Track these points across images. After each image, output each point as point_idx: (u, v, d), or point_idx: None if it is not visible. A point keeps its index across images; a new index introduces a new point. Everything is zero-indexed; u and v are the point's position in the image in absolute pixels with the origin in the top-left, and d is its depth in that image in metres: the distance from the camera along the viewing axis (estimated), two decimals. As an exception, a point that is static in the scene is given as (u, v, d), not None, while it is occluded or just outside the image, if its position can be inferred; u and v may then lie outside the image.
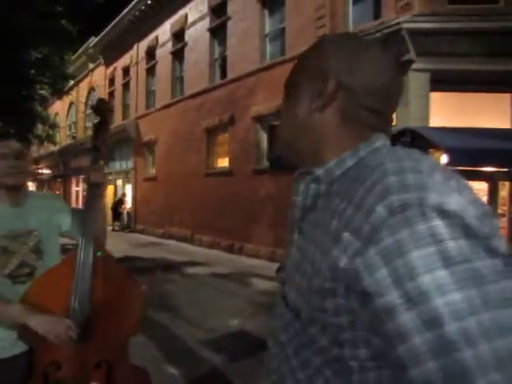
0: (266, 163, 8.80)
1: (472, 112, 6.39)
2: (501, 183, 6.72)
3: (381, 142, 0.60)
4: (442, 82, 6.29)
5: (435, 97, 6.39)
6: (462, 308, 0.40)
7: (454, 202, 0.45)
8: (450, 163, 5.18)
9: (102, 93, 18.19)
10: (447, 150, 5.24)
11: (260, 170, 9.00)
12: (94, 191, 1.47)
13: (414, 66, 6.29)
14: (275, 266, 2.20)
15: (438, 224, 0.43)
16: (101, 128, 1.58)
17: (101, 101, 1.64)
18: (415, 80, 6.30)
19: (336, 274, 0.50)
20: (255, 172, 9.17)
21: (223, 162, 10.64)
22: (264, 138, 9.39)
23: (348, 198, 0.52)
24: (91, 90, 19.62)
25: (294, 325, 0.61)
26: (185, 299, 5.40)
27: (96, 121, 1.61)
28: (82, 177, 20.19)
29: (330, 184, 0.59)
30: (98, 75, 18.55)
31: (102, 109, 1.62)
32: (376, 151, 0.58)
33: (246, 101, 9.55)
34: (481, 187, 6.42)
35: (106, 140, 1.59)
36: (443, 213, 0.44)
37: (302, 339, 0.59)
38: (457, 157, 5.12)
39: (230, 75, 10.19)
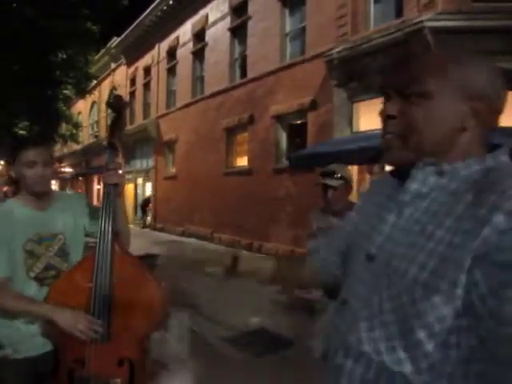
0: (285, 162, 8.80)
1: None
2: None
3: (506, 156, 0.72)
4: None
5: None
6: None
7: None
8: (506, 151, 5.10)
9: (123, 92, 18.53)
10: None
11: (279, 169, 9.02)
12: (110, 191, 1.49)
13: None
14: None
15: None
16: (117, 125, 1.60)
17: (116, 97, 1.67)
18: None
19: (483, 249, 0.58)
20: (274, 171, 9.20)
21: (243, 161, 10.71)
22: (283, 137, 9.40)
23: (496, 192, 0.60)
24: (113, 89, 20.00)
25: (394, 287, 0.68)
26: (204, 297, 5.48)
27: (112, 118, 1.64)
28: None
29: (452, 180, 0.69)
30: (120, 75, 18.91)
31: (117, 105, 1.63)
32: (506, 164, 0.69)
33: (265, 100, 9.58)
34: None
35: (121, 137, 1.62)
36: None
37: (400, 294, 0.66)
38: None
39: (250, 74, 10.23)
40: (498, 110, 0.72)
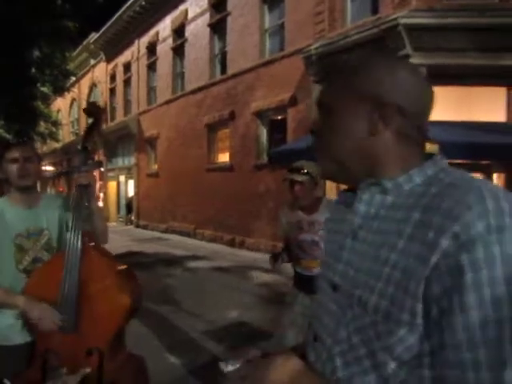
0: (265, 158, 8.90)
1: (468, 106, 6.46)
2: (496, 174, 6.81)
3: (444, 161, 0.70)
4: (438, 77, 6.31)
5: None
6: None
7: None
8: (443, 157, 5.29)
9: (103, 89, 18.29)
10: (441, 144, 5.34)
11: (260, 165, 9.10)
12: (82, 191, 1.57)
13: (411, 61, 6.34)
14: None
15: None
16: (92, 130, 1.69)
17: (92, 104, 1.78)
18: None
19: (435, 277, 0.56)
20: (256, 167, 9.28)
21: (224, 158, 10.75)
22: (264, 132, 9.48)
23: (442, 211, 0.57)
24: (93, 86, 19.71)
25: (351, 313, 0.67)
26: (186, 292, 5.54)
27: (89, 123, 1.72)
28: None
29: (397, 197, 0.66)
30: (100, 71, 18.63)
31: (92, 111, 1.73)
32: (446, 171, 0.66)
33: (245, 96, 9.63)
34: (477, 180, 6.50)
35: (96, 141, 1.72)
36: None
37: (365, 327, 0.64)
38: (450, 150, 5.20)
39: (230, 71, 10.26)
40: (415, 111, 0.67)
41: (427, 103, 0.70)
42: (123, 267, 1.63)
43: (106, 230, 1.77)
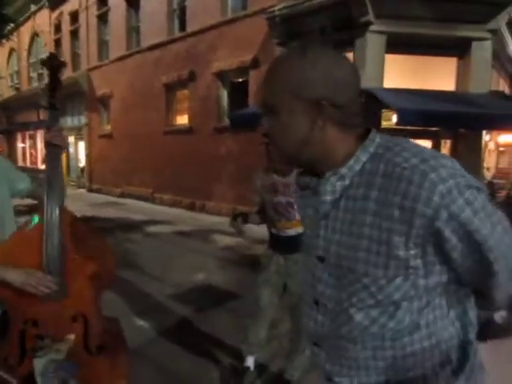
0: (227, 121, 8.77)
1: (422, 75, 6.71)
2: (443, 141, 7.25)
3: (378, 136, 0.82)
4: (397, 45, 6.50)
5: (389, 59, 6.61)
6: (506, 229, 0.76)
7: (474, 181, 0.73)
8: (400, 122, 5.53)
9: (47, 40, 16.75)
10: (398, 111, 5.56)
11: (221, 127, 8.97)
12: (56, 153, 1.49)
13: (372, 28, 6.41)
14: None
15: (479, 195, 0.72)
16: (56, 85, 1.57)
17: (52, 56, 1.61)
18: (372, 42, 6.46)
19: (415, 236, 0.73)
20: (216, 130, 9.14)
21: (183, 120, 10.45)
22: (225, 95, 9.28)
23: (403, 192, 0.72)
24: (34, 35, 17.97)
25: (345, 279, 0.82)
26: (149, 257, 5.53)
27: (50, 78, 1.58)
28: (28, 133, 18.99)
29: (352, 177, 0.80)
30: (42, 19, 16.95)
31: (53, 64, 1.58)
32: (382, 146, 0.79)
33: (206, 56, 9.28)
34: (425, 145, 6.89)
35: (59, 97, 1.58)
36: (478, 189, 0.73)
37: (359, 289, 0.80)
38: (406, 117, 5.46)
39: (190, 28, 9.77)
40: (347, 100, 0.77)
41: (356, 87, 0.79)
42: (98, 232, 1.61)
43: (65, 191, 1.71)
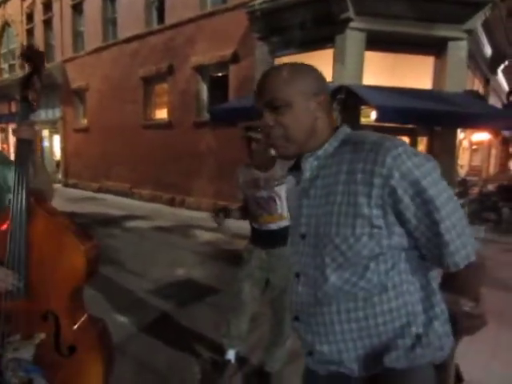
0: (206, 116, 8.71)
1: (400, 72, 6.84)
2: (419, 138, 7.44)
3: (348, 129, 1.05)
4: (376, 43, 6.60)
5: (369, 56, 6.70)
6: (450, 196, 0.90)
7: (424, 154, 0.92)
8: (379, 119, 5.63)
9: (18, 29, 16.14)
10: (377, 108, 5.65)
11: (200, 122, 8.90)
12: (25, 147, 1.46)
13: (352, 24, 6.48)
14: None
15: (427, 163, 0.89)
16: (31, 77, 1.51)
17: (30, 47, 1.56)
18: (352, 39, 6.53)
19: (381, 197, 0.89)
20: (195, 124, 9.07)
21: (162, 114, 10.30)
22: (204, 89, 9.20)
23: (364, 159, 0.91)
24: (5, 25, 17.27)
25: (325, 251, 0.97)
26: (128, 253, 5.46)
27: (28, 70, 1.53)
28: (1, 126, 18.31)
29: (326, 158, 1.01)
30: (13, 8, 16.31)
31: (32, 56, 1.54)
32: (351, 134, 1.03)
33: (185, 49, 9.17)
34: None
35: (37, 90, 1.53)
36: (428, 158, 0.91)
37: (336, 255, 0.95)
38: (385, 114, 5.56)
39: (168, 20, 9.61)
40: (327, 91, 1.04)
41: (328, 90, 1.06)
42: (76, 226, 1.55)
43: (52, 186, 1.68)
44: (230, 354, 2.52)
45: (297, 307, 1.04)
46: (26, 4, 15.41)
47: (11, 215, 1.40)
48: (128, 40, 10.70)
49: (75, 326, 1.47)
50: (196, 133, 9.04)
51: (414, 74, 6.97)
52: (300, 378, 1.22)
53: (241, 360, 2.59)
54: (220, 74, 8.74)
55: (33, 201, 1.45)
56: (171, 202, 9.73)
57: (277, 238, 2.35)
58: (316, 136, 1.01)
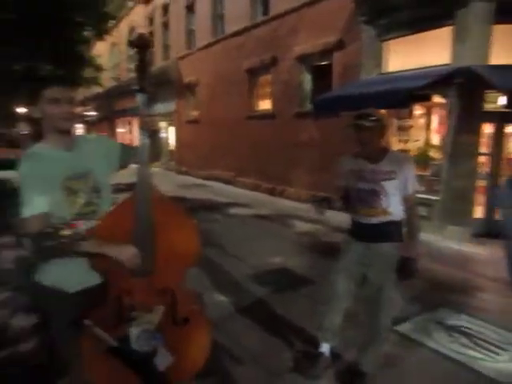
0: (309, 106, 8.62)
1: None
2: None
3: None
4: (508, 13, 5.62)
5: (498, 30, 5.74)
6: None
7: None
8: (509, 106, 4.87)
9: (142, 33, 17.99)
10: (507, 92, 4.88)
11: (303, 112, 8.85)
12: (150, 138, 1.59)
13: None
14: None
15: None
16: (144, 66, 1.58)
17: (140, 35, 1.62)
18: (477, 12, 5.65)
19: None
20: (298, 115, 9.05)
21: (266, 105, 10.53)
22: (308, 79, 9.10)
23: None
24: (131, 30, 19.43)
25: None
26: (229, 237, 5.75)
27: (138, 59, 1.59)
28: (127, 119, 20.78)
29: None
30: (138, 14, 18.24)
31: (140, 43, 1.60)
32: None
33: (288, 39, 9.17)
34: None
35: (149, 78, 1.59)
36: None
37: None
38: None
39: (273, 12, 9.71)
40: None
41: None
42: (184, 211, 1.67)
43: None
44: (324, 347, 2.48)
45: None
46: (148, 9, 17.09)
47: (137, 200, 1.53)
48: (234, 34, 11.12)
49: (188, 300, 1.62)
50: (298, 123, 9.03)
51: None
52: None
53: (334, 355, 2.54)
54: (323, 63, 8.54)
55: (154, 187, 1.60)
56: (272, 192, 9.94)
57: (378, 233, 2.22)
58: None
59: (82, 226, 1.57)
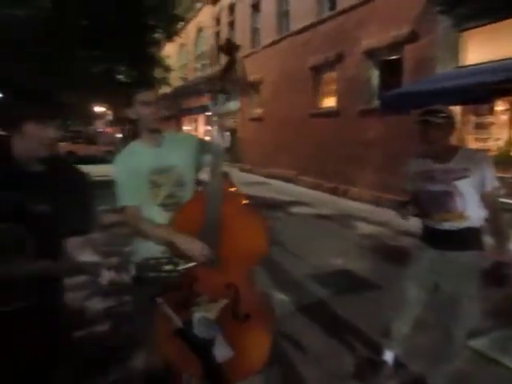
0: (375, 103, 8.27)
1: None
2: None
3: None
4: None
5: None
6: None
7: None
8: None
9: (209, 33, 18.55)
10: None
11: (369, 110, 8.51)
12: (223, 136, 1.63)
13: None
14: (381, 210, 2.23)
15: None
16: (230, 68, 1.65)
17: (228, 40, 1.71)
18: None
19: None
20: (364, 112, 8.73)
21: (330, 102, 10.31)
22: (376, 75, 8.74)
23: None
24: (199, 30, 20.11)
25: None
26: (290, 236, 5.72)
27: (225, 63, 1.67)
28: (193, 117, 21.60)
29: None
30: (205, 15, 18.81)
31: (228, 48, 1.68)
32: None
33: (355, 33, 8.86)
34: None
35: (234, 80, 1.68)
36: None
37: None
38: None
39: (340, 6, 9.46)
40: None
41: None
42: (255, 209, 1.69)
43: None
44: (388, 356, 2.38)
45: None
46: (215, 10, 17.55)
47: (207, 195, 1.59)
48: (300, 31, 11.02)
49: (252, 298, 1.64)
50: (363, 121, 8.72)
51: None
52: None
53: (398, 364, 2.41)
54: (392, 57, 8.15)
55: (225, 182, 1.65)
56: (334, 191, 9.72)
57: (453, 240, 2.05)
58: None
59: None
